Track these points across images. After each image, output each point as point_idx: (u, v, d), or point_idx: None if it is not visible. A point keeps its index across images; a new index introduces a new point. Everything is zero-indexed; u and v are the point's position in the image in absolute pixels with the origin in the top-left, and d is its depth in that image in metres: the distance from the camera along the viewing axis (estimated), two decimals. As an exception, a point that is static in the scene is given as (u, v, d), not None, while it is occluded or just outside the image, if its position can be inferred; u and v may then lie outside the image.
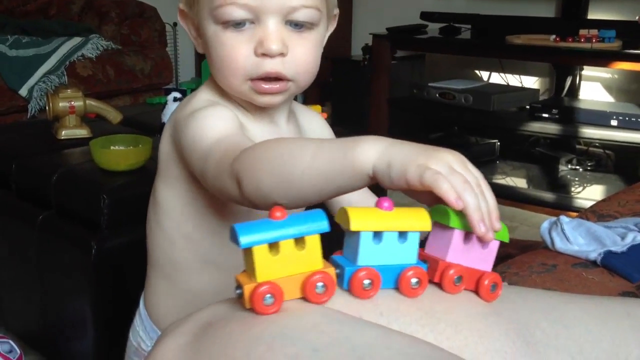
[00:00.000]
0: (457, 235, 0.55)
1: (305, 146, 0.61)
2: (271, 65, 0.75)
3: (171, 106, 2.09)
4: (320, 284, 0.50)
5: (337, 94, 3.62)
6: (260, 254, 0.49)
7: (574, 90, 3.12)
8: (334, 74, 3.61)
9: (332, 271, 0.51)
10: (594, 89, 3.19)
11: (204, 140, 0.72)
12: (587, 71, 3.16)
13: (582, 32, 2.70)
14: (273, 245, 0.49)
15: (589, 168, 3.00)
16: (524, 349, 0.53)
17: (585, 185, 2.87)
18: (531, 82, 3.40)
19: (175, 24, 4.00)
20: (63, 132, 1.81)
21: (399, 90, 3.27)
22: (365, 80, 3.38)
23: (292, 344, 0.44)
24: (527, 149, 3.20)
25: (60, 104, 1.80)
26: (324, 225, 0.50)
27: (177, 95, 2.09)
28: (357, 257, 0.52)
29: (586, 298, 0.63)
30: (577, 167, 3.02)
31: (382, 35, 3.22)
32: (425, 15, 3.22)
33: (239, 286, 0.50)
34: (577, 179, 2.94)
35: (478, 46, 3.10)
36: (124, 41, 3.42)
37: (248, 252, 0.49)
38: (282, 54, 0.75)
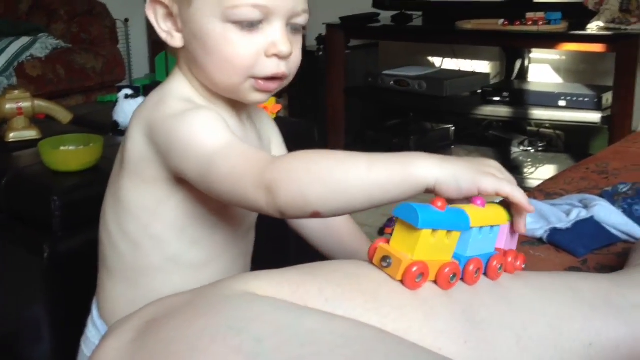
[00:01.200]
0: (507, 227, 0.67)
1: (356, 158, 0.65)
2: (280, 66, 0.77)
3: (122, 103, 2.06)
4: (452, 274, 0.58)
5: (292, 85, 3.60)
6: (425, 236, 0.56)
7: (524, 73, 3.17)
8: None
9: (456, 264, 0.59)
10: (543, 70, 3.25)
11: (204, 147, 0.71)
12: (536, 54, 3.21)
13: (529, 15, 2.75)
14: (435, 231, 0.56)
15: (540, 149, 3.06)
16: (468, 328, 0.55)
17: (537, 165, 2.93)
18: (482, 66, 3.44)
19: (126, 20, 3.95)
20: (11, 135, 1.78)
21: (354, 79, 3.29)
22: (320, 70, 3.38)
23: (236, 335, 0.45)
24: (481, 133, 3.25)
25: (7, 106, 1.76)
26: (467, 224, 0.60)
27: (129, 92, 2.07)
28: (467, 250, 0.60)
29: (529, 275, 0.65)
30: (529, 148, 3.08)
31: (335, 25, 3.22)
32: (377, 4, 3.23)
33: (388, 257, 0.56)
34: (529, 159, 3.00)
35: (429, 33, 3.13)
36: (74, 39, 3.36)
37: (409, 229, 0.56)
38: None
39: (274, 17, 0.75)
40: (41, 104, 1.86)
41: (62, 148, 1.53)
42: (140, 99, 2.08)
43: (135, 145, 0.80)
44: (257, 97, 0.80)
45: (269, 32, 0.76)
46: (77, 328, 1.07)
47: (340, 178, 0.63)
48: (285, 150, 0.97)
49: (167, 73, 2.97)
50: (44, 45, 3.07)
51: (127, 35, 3.99)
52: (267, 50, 0.76)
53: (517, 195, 0.63)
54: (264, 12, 0.74)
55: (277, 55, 0.76)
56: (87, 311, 1.04)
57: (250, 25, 0.75)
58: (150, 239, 0.82)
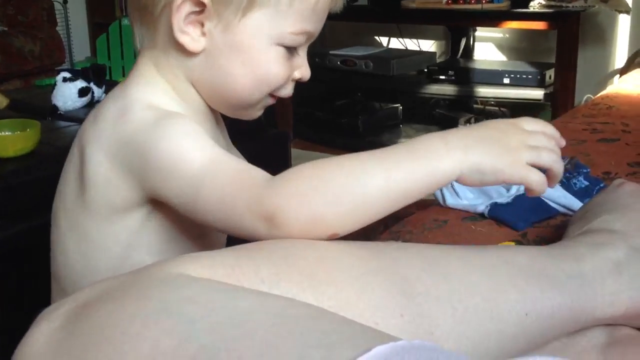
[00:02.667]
0: None
1: (370, 166, 0.60)
2: (293, 87, 0.77)
3: (61, 87, 2.01)
4: None
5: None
6: None
7: (469, 51, 3.21)
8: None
9: None
10: (487, 49, 3.29)
11: (188, 164, 0.64)
12: (480, 32, 3.25)
13: (473, -7, 2.78)
14: None
15: (486, 126, 3.11)
16: (404, 302, 0.55)
17: (484, 142, 2.97)
18: (428, 45, 3.47)
19: (65, 1, 3.84)
20: (-56, 121, 1.72)
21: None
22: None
23: (169, 318, 0.44)
24: (428, 111, 3.28)
25: (-61, 92, 1.70)
26: None
27: (67, 75, 2.01)
28: None
29: (465, 248, 0.66)
30: (476, 125, 3.12)
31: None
32: (321, -17, 3.21)
33: None
34: (476, 137, 3.04)
35: (375, 12, 3.14)
36: (11, 22, 3.25)
37: None
38: None
39: (307, 42, 0.75)
40: (-25, 89, 1.79)
41: (-3, 134, 1.49)
42: (79, 82, 2.03)
43: (99, 170, 0.70)
44: (260, 113, 0.79)
45: (300, 56, 0.75)
46: (17, 317, 1.04)
47: (357, 193, 0.59)
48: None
49: (109, 56, 2.91)
50: (-22, 29, 2.96)
51: (66, 17, 3.88)
52: (295, 74, 0.76)
53: (555, 170, 0.64)
54: (306, 38, 0.74)
55: (300, 79, 0.76)
56: (25, 301, 1.02)
57: (293, 50, 0.74)
58: (129, 267, 0.69)
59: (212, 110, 0.79)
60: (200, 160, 0.64)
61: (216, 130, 0.81)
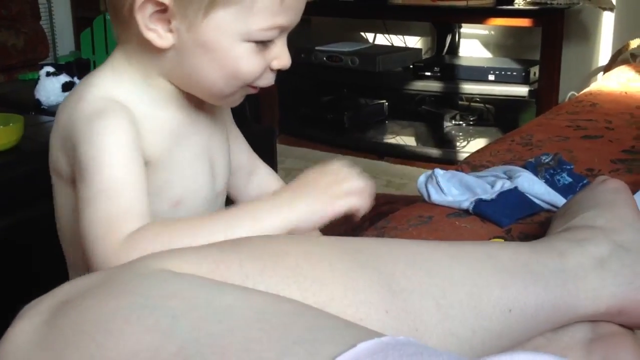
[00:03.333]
0: None
1: (212, 225, 0.68)
2: (274, 76, 0.78)
3: (44, 81, 2.00)
4: None
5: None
6: None
7: (454, 48, 3.22)
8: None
9: None
10: (472, 45, 3.30)
11: (90, 179, 0.70)
12: (466, 29, 3.26)
13: (458, -10, 2.78)
14: None
15: (471, 122, 3.12)
16: (389, 297, 0.55)
17: (469, 139, 2.98)
18: (414, 41, 3.47)
19: (49, -4, 3.80)
20: None
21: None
22: (252, 46, 3.34)
23: (151, 314, 0.44)
24: (414, 108, 3.29)
25: None
26: None
27: (50, 69, 2.00)
28: None
29: (450, 244, 0.66)
30: (461, 122, 3.13)
31: (265, 0, 3.18)
32: (307, -21, 3.21)
33: None
34: (461, 133, 3.05)
35: (361, 8, 3.13)
36: (-7, 16, 3.22)
37: None
38: None
39: (283, 33, 0.75)
40: (-43, 83, 1.77)
41: (-21, 128, 1.47)
42: (62, 77, 2.02)
43: (54, 144, 0.80)
44: (239, 100, 0.80)
45: (277, 46, 0.75)
46: (1, 313, 1.03)
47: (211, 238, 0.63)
48: (240, 135, 0.97)
49: (93, 50, 2.89)
50: (-40, 22, 2.92)
51: (50, 11, 3.84)
52: (273, 64, 0.76)
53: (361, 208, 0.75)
54: (280, 31, 0.74)
55: (279, 69, 0.77)
56: (10, 298, 1.01)
57: (265, 43, 0.74)
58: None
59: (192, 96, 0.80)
60: (101, 180, 0.69)
61: (192, 114, 0.81)
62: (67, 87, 2.05)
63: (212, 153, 0.84)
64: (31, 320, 0.47)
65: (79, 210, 0.70)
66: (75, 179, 0.73)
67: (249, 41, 0.72)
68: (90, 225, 0.68)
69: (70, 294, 0.49)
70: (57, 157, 0.79)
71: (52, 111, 2.01)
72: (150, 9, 0.70)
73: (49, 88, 2.01)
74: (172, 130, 0.79)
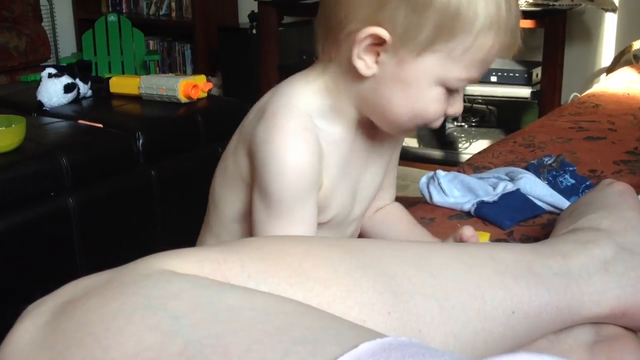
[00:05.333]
0: None
1: None
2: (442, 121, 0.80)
3: (46, 83, 2.00)
4: None
5: (226, 63, 3.57)
6: None
7: (457, 50, 3.21)
8: (221, 43, 3.55)
9: None
10: (475, 47, 3.30)
11: (272, 204, 0.76)
12: (468, 30, 3.25)
13: (460, -8, 2.78)
14: None
15: (473, 124, 3.12)
16: (391, 299, 0.55)
17: (471, 140, 2.98)
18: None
19: (51, -3, 3.81)
20: None
21: (288, 56, 3.26)
22: (254, 48, 3.34)
23: (153, 314, 0.43)
24: (416, 109, 3.28)
25: None
26: None
27: (52, 71, 2.00)
28: None
29: (453, 245, 0.66)
30: (463, 123, 3.13)
31: (267, 2, 3.19)
32: (309, -20, 3.21)
33: None
34: (463, 135, 3.05)
35: (363, 9, 3.13)
36: (-5, 17, 3.22)
37: None
38: None
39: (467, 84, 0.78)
40: (-41, 84, 1.78)
41: (-18, 130, 1.47)
42: (64, 78, 2.02)
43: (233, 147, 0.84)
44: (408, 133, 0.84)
45: (458, 94, 0.78)
46: (3, 314, 1.03)
47: None
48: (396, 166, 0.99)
49: (95, 52, 2.90)
50: (-38, 23, 2.93)
51: (51, 13, 3.85)
52: (448, 110, 0.78)
53: None
54: (469, 81, 0.77)
55: (451, 115, 0.80)
56: (13, 297, 1.01)
57: (451, 91, 0.76)
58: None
59: (370, 125, 0.83)
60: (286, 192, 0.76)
61: (362, 142, 0.85)
62: (69, 88, 2.05)
63: (360, 184, 0.87)
64: (34, 321, 0.47)
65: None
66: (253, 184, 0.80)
67: (443, 86, 0.75)
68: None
69: (74, 294, 0.49)
70: (239, 158, 0.82)
71: (54, 112, 2.01)
72: (369, 40, 0.73)
73: (50, 89, 2.01)
74: (342, 155, 0.82)
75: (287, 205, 0.76)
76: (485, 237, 0.89)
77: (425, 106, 0.76)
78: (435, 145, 2.95)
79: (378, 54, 0.74)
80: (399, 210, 0.98)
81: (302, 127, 0.77)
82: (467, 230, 0.83)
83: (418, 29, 0.71)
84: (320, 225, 0.82)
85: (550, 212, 1.01)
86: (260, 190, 0.77)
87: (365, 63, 0.75)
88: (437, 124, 0.80)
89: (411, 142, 3.02)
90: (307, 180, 0.76)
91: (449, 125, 3.12)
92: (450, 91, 0.76)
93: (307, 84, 0.81)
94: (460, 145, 2.95)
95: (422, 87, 0.75)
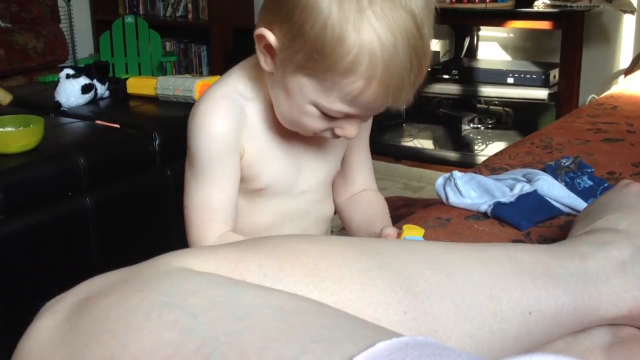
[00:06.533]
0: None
1: None
2: (348, 131, 0.82)
3: (64, 84, 2.01)
4: None
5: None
6: None
7: (473, 51, 3.20)
8: (237, 44, 3.57)
9: None
10: (491, 48, 3.29)
11: (193, 163, 0.83)
12: (484, 31, 3.24)
13: (477, -7, 2.77)
14: None
15: (490, 126, 3.10)
16: (407, 299, 0.55)
17: (487, 142, 2.97)
18: (432, 44, 3.46)
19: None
20: (-52, 116, 1.72)
21: (304, 58, 3.26)
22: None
23: (171, 311, 0.44)
24: (432, 111, 3.28)
25: (-57, 87, 1.70)
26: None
27: (70, 72, 2.01)
28: None
29: (469, 246, 0.65)
30: (479, 125, 3.12)
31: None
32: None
33: None
34: (479, 137, 3.04)
35: (379, 11, 3.13)
36: (14, 19, 3.26)
37: None
38: None
39: (351, 119, 0.79)
40: (-21, 85, 1.79)
41: (0, 129, 1.49)
42: (82, 79, 2.03)
43: None
44: (314, 135, 0.84)
45: (344, 120, 0.79)
46: (21, 311, 1.05)
47: None
48: (366, 158, 1.02)
49: (112, 53, 2.93)
50: (-18, 25, 2.96)
51: (69, 14, 3.88)
52: (336, 130, 0.81)
53: None
54: (344, 115, 0.78)
55: (343, 136, 0.82)
56: (31, 294, 1.02)
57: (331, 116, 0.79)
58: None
59: None
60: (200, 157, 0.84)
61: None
62: (86, 89, 2.06)
63: (303, 157, 0.91)
64: (52, 317, 0.48)
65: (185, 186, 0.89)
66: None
67: (317, 108, 0.78)
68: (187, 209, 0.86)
69: (92, 291, 0.49)
70: None
71: (71, 113, 2.03)
72: (263, 40, 0.78)
73: (68, 90, 2.03)
74: (270, 125, 0.88)
75: (205, 165, 0.83)
76: (419, 232, 0.89)
77: (300, 118, 0.80)
78: (451, 147, 2.94)
79: (273, 56, 0.78)
80: (375, 197, 1.02)
81: (223, 96, 0.85)
82: (388, 229, 0.89)
83: (293, 49, 0.75)
84: (256, 192, 0.89)
85: (567, 214, 1.00)
86: (187, 153, 0.85)
87: (265, 60, 0.80)
88: (328, 136, 0.83)
89: (426, 144, 3.02)
90: (223, 143, 0.83)
91: (464, 127, 3.11)
92: (330, 116, 0.78)
93: (244, 63, 0.88)
94: (476, 147, 2.94)
95: (298, 101, 0.79)
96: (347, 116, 0.78)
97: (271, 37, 0.76)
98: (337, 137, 0.82)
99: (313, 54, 0.72)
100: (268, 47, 0.78)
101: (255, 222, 0.91)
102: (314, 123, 0.80)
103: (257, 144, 0.87)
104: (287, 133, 0.87)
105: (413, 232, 0.88)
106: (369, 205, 1.01)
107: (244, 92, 0.86)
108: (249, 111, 0.86)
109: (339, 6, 0.70)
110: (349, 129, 0.81)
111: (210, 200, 0.83)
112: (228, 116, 0.83)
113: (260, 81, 0.86)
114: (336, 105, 0.76)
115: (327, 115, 0.78)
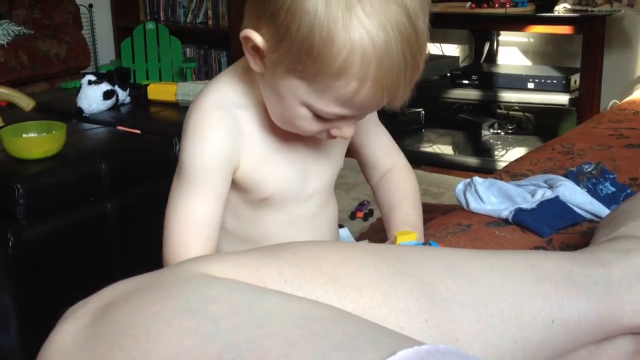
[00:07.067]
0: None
1: None
2: (344, 131, 0.79)
3: (86, 90, 2.03)
4: None
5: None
6: None
7: (492, 56, 3.19)
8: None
9: None
10: (511, 53, 3.27)
11: (182, 175, 0.79)
12: (504, 36, 3.22)
13: (497, -3, 2.76)
14: None
15: (510, 131, 3.08)
16: (428, 306, 0.54)
17: (507, 148, 2.95)
18: (451, 49, 3.45)
19: (90, 6, 3.88)
20: (-28, 122, 1.74)
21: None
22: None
23: (192, 318, 0.44)
24: (451, 116, 3.26)
25: (-33, 93, 1.72)
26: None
27: (92, 78, 2.03)
28: None
29: (490, 253, 0.65)
30: (499, 131, 3.10)
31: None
32: (344, -13, 3.21)
33: None
34: (499, 142, 3.02)
35: (398, 16, 3.12)
36: (37, 25, 3.30)
37: None
38: None
39: (345, 119, 0.76)
40: (2, 91, 1.82)
41: (24, 135, 1.51)
42: (103, 85, 2.05)
43: None
44: (311, 136, 0.82)
45: (341, 122, 0.76)
46: (44, 316, 1.05)
47: None
48: (382, 133, 0.99)
49: (133, 59, 2.95)
50: (5, 32, 3.00)
51: (91, 21, 3.92)
52: (332, 131, 0.78)
53: None
54: (338, 117, 0.75)
55: (339, 137, 0.79)
56: (53, 299, 1.03)
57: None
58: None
59: None
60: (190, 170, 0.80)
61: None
62: (108, 95, 2.08)
63: (310, 158, 0.88)
64: (75, 322, 0.48)
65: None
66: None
67: (309, 110, 0.75)
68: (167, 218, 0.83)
69: (114, 297, 0.49)
70: None
71: (93, 119, 2.05)
72: (250, 43, 0.74)
73: (90, 96, 2.05)
74: (269, 132, 0.84)
75: (195, 178, 0.79)
76: (412, 236, 0.87)
77: (293, 119, 0.77)
78: (471, 153, 2.92)
79: (262, 57, 0.75)
80: (401, 178, 0.98)
81: (216, 106, 0.80)
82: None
83: (281, 51, 0.71)
84: (262, 201, 0.85)
85: (590, 220, 0.99)
86: (178, 164, 0.81)
87: (252, 60, 0.76)
88: (321, 136, 0.80)
89: (446, 149, 3.00)
90: (216, 157, 0.79)
91: (484, 132, 3.09)
92: (322, 117, 0.75)
93: (233, 67, 0.85)
94: (496, 152, 2.92)
95: (290, 103, 0.75)
96: (343, 117, 0.75)
97: (258, 39, 0.73)
98: (333, 137, 0.79)
99: (302, 56, 0.69)
100: (256, 48, 0.74)
101: (264, 232, 0.88)
102: (309, 125, 0.77)
103: (256, 152, 0.83)
104: (288, 137, 0.84)
105: (406, 237, 0.86)
106: (394, 192, 0.97)
107: (235, 99, 0.82)
108: (244, 120, 0.82)
109: (325, 4, 0.66)
110: (345, 129, 0.77)
111: (195, 212, 0.79)
112: (221, 129, 0.79)
113: (253, 85, 0.82)
114: (330, 108, 0.73)
115: (321, 117, 0.75)
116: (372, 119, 0.96)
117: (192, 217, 0.79)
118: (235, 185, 0.83)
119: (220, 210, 0.81)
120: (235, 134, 0.80)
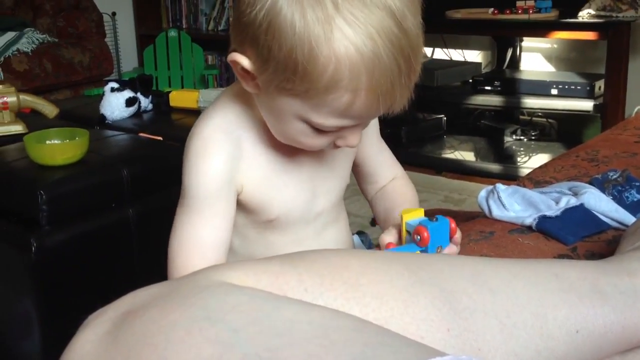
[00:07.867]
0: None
1: None
2: (350, 141, 0.77)
3: (109, 97, 2.05)
4: None
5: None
6: None
7: (515, 62, 3.16)
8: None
9: None
10: (534, 59, 3.24)
11: (185, 200, 0.79)
12: (527, 42, 3.20)
13: (519, 3, 2.74)
14: None
15: (533, 137, 3.06)
16: (450, 315, 0.54)
17: (530, 154, 2.92)
18: (473, 55, 3.43)
19: (114, 14, 3.92)
20: (-3, 129, 1.77)
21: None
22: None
23: (212, 326, 0.44)
24: (473, 122, 3.24)
25: (-8, 101, 1.75)
26: None
27: (115, 85, 2.05)
28: None
29: (514, 262, 0.64)
30: (522, 137, 3.07)
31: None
32: (366, -6, 3.21)
33: None
34: (522, 149, 2.99)
35: (419, 22, 3.12)
36: (61, 33, 3.34)
37: None
38: None
39: (348, 129, 0.74)
40: (26, 99, 1.84)
41: (47, 142, 1.52)
42: (126, 92, 2.07)
43: None
44: (318, 150, 0.81)
45: (345, 132, 0.75)
46: (66, 322, 1.06)
47: None
48: (384, 149, 0.99)
49: (156, 66, 2.97)
50: (30, 40, 3.04)
51: (114, 29, 3.96)
52: (338, 142, 0.76)
53: None
54: (338, 128, 0.73)
55: (345, 146, 0.77)
56: (75, 305, 1.03)
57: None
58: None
59: None
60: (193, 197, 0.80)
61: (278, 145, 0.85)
62: (130, 102, 2.10)
63: (317, 177, 0.87)
64: (95, 330, 0.48)
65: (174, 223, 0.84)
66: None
67: (307, 124, 0.73)
68: (173, 241, 0.82)
69: (134, 305, 0.49)
70: None
71: (116, 126, 2.07)
72: (239, 66, 0.73)
73: (113, 103, 2.07)
74: (272, 153, 0.82)
75: (199, 201, 0.78)
76: (419, 212, 0.82)
77: (295, 136, 0.75)
78: (493, 159, 2.90)
79: (254, 78, 0.73)
80: (398, 188, 0.97)
81: (216, 130, 0.79)
82: (385, 237, 0.83)
83: (268, 72, 0.69)
84: (269, 223, 0.85)
85: (615, 228, 0.98)
86: (181, 190, 0.81)
87: (244, 82, 0.75)
88: (326, 148, 0.78)
89: (468, 156, 2.98)
90: (217, 180, 0.78)
91: (507, 138, 3.06)
92: (323, 131, 0.73)
93: (230, 90, 0.83)
94: (519, 159, 2.90)
95: (289, 120, 0.73)
96: (344, 127, 0.73)
97: (245, 62, 0.71)
98: (338, 147, 0.78)
99: (289, 75, 0.67)
100: (246, 70, 0.72)
101: (270, 253, 0.83)
102: (311, 140, 0.75)
103: (259, 175, 0.81)
104: (293, 155, 0.83)
105: (412, 214, 0.82)
106: (395, 198, 0.96)
107: (236, 121, 0.80)
108: (246, 141, 0.80)
109: (303, 21, 0.63)
110: (350, 138, 0.75)
111: (201, 236, 0.78)
112: (222, 152, 0.78)
113: (252, 105, 0.80)
114: (329, 121, 0.71)
115: (322, 130, 0.73)
116: (374, 134, 0.95)
117: (198, 241, 0.78)
118: (240, 206, 0.82)
119: (227, 233, 0.80)
120: (237, 157, 0.79)
